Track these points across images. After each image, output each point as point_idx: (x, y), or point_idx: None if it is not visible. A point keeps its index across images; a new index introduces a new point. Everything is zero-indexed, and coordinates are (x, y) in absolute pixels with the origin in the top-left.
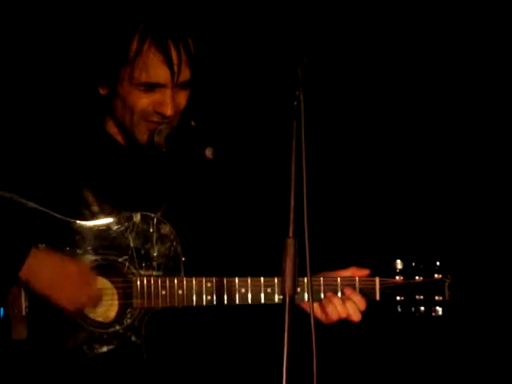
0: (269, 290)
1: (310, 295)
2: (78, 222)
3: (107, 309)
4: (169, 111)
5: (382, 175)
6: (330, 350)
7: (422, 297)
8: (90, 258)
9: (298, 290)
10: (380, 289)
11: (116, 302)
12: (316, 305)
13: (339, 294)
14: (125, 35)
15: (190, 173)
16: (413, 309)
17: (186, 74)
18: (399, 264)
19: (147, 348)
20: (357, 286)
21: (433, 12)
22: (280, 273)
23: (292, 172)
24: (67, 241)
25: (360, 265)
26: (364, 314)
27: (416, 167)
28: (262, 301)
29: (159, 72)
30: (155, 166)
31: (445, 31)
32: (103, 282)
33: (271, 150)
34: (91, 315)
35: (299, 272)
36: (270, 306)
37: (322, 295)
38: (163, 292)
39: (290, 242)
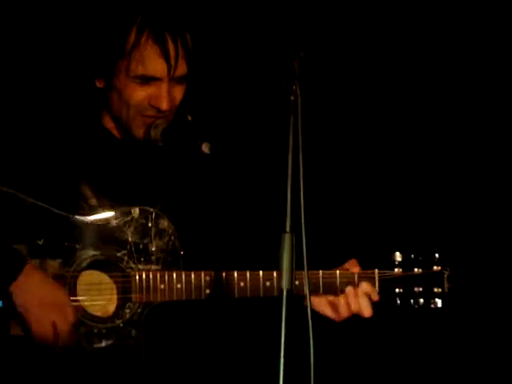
0: (268, 283)
1: (307, 289)
2: (76, 216)
3: (106, 303)
4: (164, 105)
5: (380, 168)
6: (328, 342)
7: (421, 289)
8: (89, 252)
9: (297, 282)
10: (379, 281)
11: (115, 297)
12: (325, 302)
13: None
14: (122, 27)
15: (186, 167)
16: (412, 301)
17: (182, 68)
18: (398, 256)
19: (146, 342)
20: (356, 279)
21: (430, 6)
22: (278, 267)
23: (289, 166)
24: (66, 236)
25: (359, 257)
26: None
27: (415, 159)
28: (261, 294)
29: (156, 65)
30: (152, 160)
31: (441, 24)
32: (102, 277)
33: (268, 145)
34: (90, 310)
35: (297, 266)
36: (270, 300)
37: (322, 289)
38: (162, 286)
39: (287, 236)
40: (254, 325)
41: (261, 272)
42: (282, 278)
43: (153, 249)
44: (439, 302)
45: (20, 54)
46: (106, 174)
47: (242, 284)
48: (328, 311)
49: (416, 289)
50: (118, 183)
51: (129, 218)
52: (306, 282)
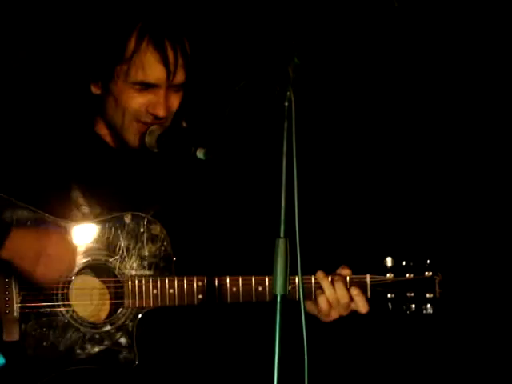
0: (260, 288)
1: (301, 294)
2: (69, 222)
3: (99, 309)
4: (162, 112)
5: (372, 174)
6: (321, 347)
7: (412, 294)
8: (81, 258)
9: (290, 288)
10: (371, 286)
11: (107, 302)
12: (311, 303)
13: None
14: (123, 32)
15: (180, 173)
16: (404, 306)
17: (181, 76)
18: (390, 262)
19: (139, 347)
20: (348, 283)
21: (425, 11)
22: (271, 272)
23: (283, 172)
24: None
25: (351, 263)
26: (355, 312)
27: (407, 166)
28: (254, 299)
29: (156, 71)
30: (146, 166)
31: (436, 28)
32: (94, 282)
33: (262, 151)
34: (82, 315)
35: (291, 271)
36: (263, 305)
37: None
38: (154, 291)
39: (282, 241)
40: (248, 330)
41: (253, 277)
42: (276, 283)
43: (145, 254)
44: (431, 308)
45: (19, 59)
46: (100, 180)
47: (234, 289)
48: (313, 309)
49: (408, 294)
50: (112, 189)
51: (121, 224)
52: (299, 287)
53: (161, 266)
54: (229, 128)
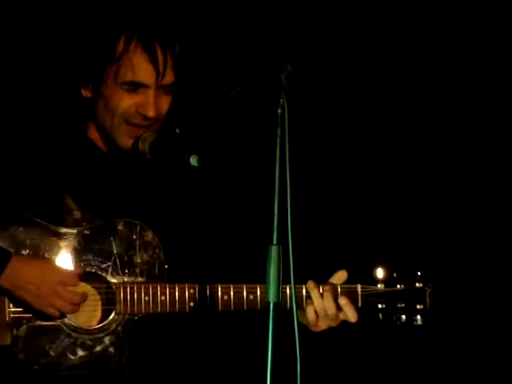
0: (251, 296)
1: (293, 302)
2: (61, 228)
3: (90, 315)
4: (151, 112)
5: (365, 184)
6: (312, 357)
7: (403, 305)
8: (74, 264)
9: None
10: (362, 296)
11: (99, 308)
12: (301, 315)
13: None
14: (111, 34)
15: (173, 180)
16: (394, 317)
17: (170, 77)
18: (381, 272)
19: (130, 354)
20: (338, 292)
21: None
22: (264, 280)
23: (276, 179)
24: (51, 247)
25: None
26: (345, 322)
27: (398, 177)
28: (245, 307)
29: (145, 71)
30: (139, 172)
31: (430, 33)
32: (86, 289)
33: (255, 158)
34: (74, 321)
35: (283, 279)
36: (255, 313)
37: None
38: (146, 298)
39: (274, 249)
40: (240, 338)
41: (244, 285)
42: (269, 291)
43: (137, 261)
44: (421, 319)
45: (11, 65)
46: (92, 186)
47: (225, 297)
48: (303, 319)
49: (398, 305)
50: (104, 195)
51: (114, 230)
52: (292, 294)
53: (153, 273)
54: (222, 135)
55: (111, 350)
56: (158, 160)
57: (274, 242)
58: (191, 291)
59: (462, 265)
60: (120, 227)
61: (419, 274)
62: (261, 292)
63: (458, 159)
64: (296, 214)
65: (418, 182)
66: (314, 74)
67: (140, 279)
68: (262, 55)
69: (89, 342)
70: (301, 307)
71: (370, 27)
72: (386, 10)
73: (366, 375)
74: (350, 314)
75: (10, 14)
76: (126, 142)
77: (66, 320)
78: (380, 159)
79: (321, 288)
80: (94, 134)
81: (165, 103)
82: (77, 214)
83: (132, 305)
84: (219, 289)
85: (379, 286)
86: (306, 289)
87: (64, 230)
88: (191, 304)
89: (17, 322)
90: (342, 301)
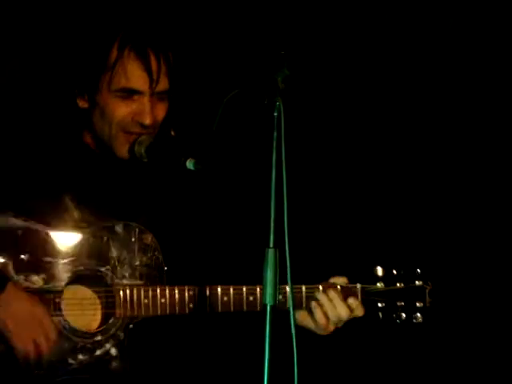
0: (251, 298)
1: (290, 303)
2: (60, 232)
3: (90, 319)
4: (148, 120)
5: (363, 184)
6: (311, 356)
7: (403, 303)
8: (72, 267)
9: (280, 297)
10: (361, 295)
11: (99, 312)
12: (306, 315)
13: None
14: (104, 42)
15: (170, 183)
16: (394, 315)
17: (164, 84)
18: (380, 271)
19: (131, 357)
20: (339, 291)
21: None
22: (261, 282)
23: (272, 182)
24: (49, 251)
25: (341, 272)
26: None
27: (397, 177)
28: (245, 309)
29: (138, 77)
30: (136, 176)
31: (427, 35)
32: (86, 292)
33: (252, 161)
34: (74, 325)
35: (281, 281)
36: (255, 314)
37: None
38: (146, 301)
39: (271, 251)
40: (241, 340)
41: (244, 287)
42: (266, 293)
43: (136, 264)
44: (421, 317)
45: (6, 74)
46: (91, 190)
47: (225, 299)
48: (310, 324)
49: (398, 303)
50: (103, 199)
51: (113, 233)
52: (290, 297)
53: (152, 276)
54: (218, 138)
55: (111, 353)
56: (154, 163)
57: (271, 244)
58: (191, 293)
59: (462, 263)
60: (119, 230)
61: (419, 272)
62: (260, 293)
63: (457, 157)
64: (293, 216)
65: (417, 181)
66: (310, 77)
67: (139, 282)
68: (258, 58)
69: (89, 346)
70: (300, 307)
71: (367, 31)
72: (381, 15)
73: (366, 374)
74: (359, 312)
75: (3, 27)
76: (124, 151)
77: (66, 324)
78: (378, 157)
79: (321, 286)
80: (89, 140)
81: (161, 110)
82: (75, 218)
83: (132, 308)
84: (219, 290)
85: (379, 284)
86: (314, 296)
87: (63, 233)
88: (191, 306)
89: None
90: (353, 302)
